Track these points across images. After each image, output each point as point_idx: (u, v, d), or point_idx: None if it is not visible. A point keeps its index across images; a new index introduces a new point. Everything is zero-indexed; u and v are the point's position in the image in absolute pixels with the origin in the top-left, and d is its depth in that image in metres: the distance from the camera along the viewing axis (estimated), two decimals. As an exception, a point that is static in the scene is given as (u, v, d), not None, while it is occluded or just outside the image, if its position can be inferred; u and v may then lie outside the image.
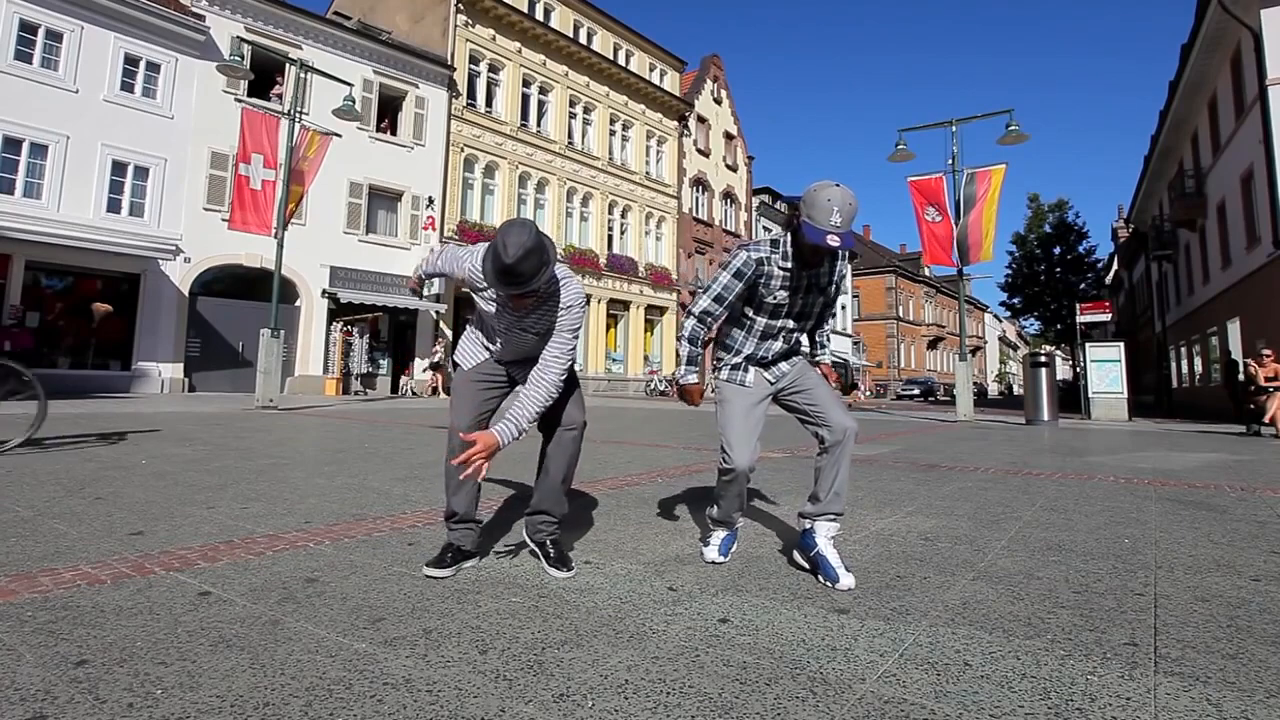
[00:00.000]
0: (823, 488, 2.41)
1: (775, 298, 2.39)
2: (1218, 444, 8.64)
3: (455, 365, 2.56)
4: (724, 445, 2.43)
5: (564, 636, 1.80)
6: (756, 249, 2.37)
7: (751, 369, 2.50)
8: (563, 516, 2.49)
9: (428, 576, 2.28)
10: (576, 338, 2.37)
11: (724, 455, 2.43)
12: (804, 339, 2.64)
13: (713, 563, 2.55)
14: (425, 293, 2.69)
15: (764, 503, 3.85)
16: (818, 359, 2.78)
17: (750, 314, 2.46)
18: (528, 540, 2.49)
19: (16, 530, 2.79)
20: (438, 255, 2.52)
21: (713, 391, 2.60)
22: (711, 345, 2.59)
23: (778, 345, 2.50)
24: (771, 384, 2.51)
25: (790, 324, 2.47)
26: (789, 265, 2.35)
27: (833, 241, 2.12)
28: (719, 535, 2.62)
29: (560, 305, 2.32)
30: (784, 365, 2.54)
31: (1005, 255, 36.93)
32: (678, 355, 2.51)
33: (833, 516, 2.41)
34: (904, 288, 56.19)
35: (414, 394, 19.98)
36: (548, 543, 2.42)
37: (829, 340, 2.79)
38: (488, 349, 2.49)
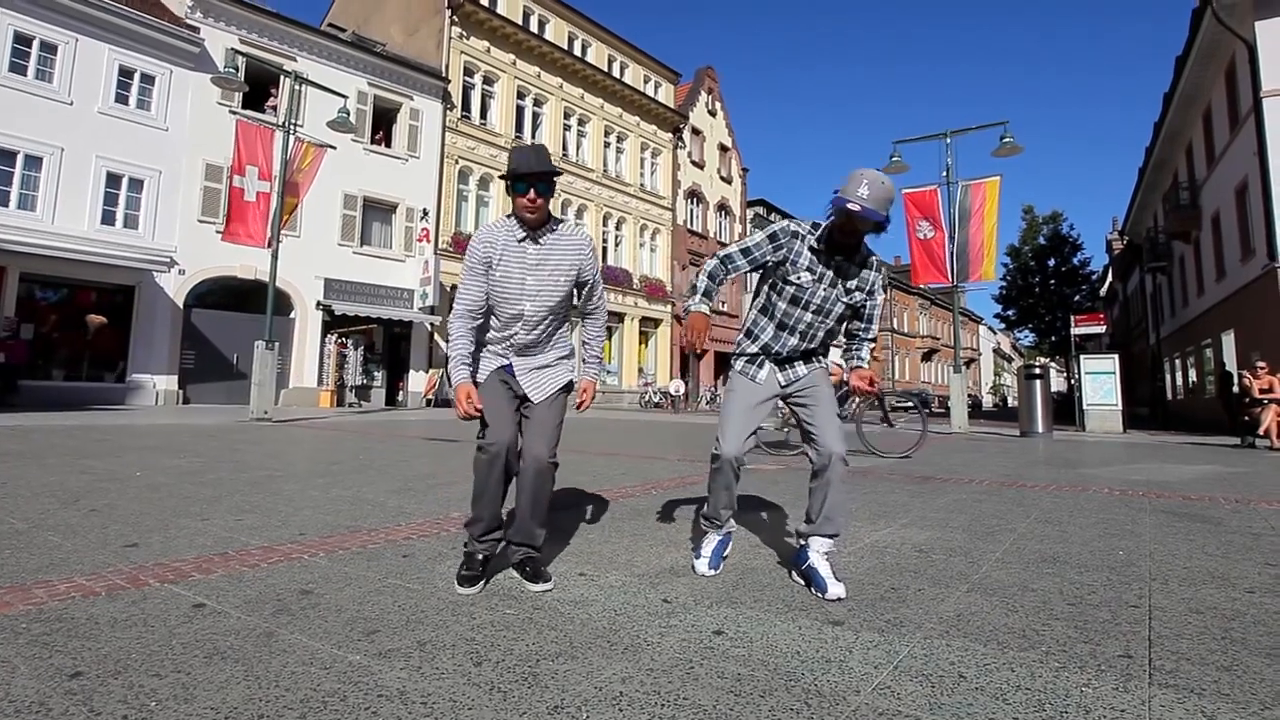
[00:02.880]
0: (813, 510, 2.47)
1: (800, 278, 2.47)
2: (1212, 456, 8.67)
3: (474, 382, 2.56)
4: (719, 432, 2.54)
5: (558, 649, 1.80)
6: (798, 224, 2.50)
7: (766, 365, 2.58)
8: (538, 545, 2.49)
9: (462, 595, 2.27)
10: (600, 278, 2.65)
11: (716, 441, 2.54)
12: (822, 343, 2.64)
13: (706, 575, 2.54)
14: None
15: (759, 514, 3.85)
16: (858, 359, 2.67)
17: (773, 299, 2.54)
18: (511, 566, 2.51)
19: (11, 542, 2.77)
20: (463, 291, 2.47)
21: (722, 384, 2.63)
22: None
23: (793, 340, 2.55)
24: (781, 385, 2.59)
25: (808, 316, 2.51)
26: (820, 248, 2.45)
27: (853, 206, 2.25)
28: (710, 544, 2.63)
29: (575, 242, 2.50)
30: (801, 368, 2.59)
31: (1000, 267, 37.14)
32: (693, 286, 2.56)
33: (826, 536, 2.43)
34: (898, 300, 56.34)
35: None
36: (523, 564, 2.45)
37: (873, 342, 2.71)
38: (500, 355, 2.54)
